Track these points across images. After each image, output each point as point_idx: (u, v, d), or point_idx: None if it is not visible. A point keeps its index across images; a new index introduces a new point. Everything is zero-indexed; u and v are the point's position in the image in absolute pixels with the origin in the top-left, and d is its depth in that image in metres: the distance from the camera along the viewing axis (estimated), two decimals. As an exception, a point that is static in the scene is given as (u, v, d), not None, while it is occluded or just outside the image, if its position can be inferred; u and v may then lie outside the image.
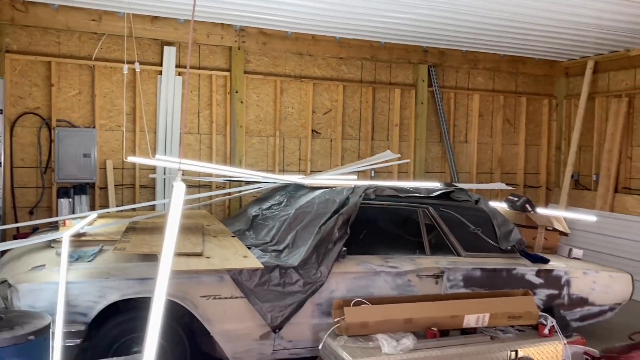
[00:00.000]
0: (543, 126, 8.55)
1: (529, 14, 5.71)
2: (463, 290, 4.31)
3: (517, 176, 8.40)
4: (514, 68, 8.12)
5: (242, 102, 6.72)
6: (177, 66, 6.47)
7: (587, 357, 3.77)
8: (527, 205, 5.36)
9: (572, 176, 8.10)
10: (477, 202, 4.97)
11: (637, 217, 7.03)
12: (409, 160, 7.27)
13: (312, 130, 7.19)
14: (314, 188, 4.86)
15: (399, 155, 6.71)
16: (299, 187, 5.07)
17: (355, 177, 5.62)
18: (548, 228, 5.36)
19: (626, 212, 7.30)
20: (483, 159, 8.17)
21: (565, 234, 5.60)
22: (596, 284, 4.90)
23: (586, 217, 6.17)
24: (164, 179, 6.38)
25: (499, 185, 6.55)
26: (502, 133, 8.24)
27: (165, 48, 6.35)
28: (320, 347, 3.46)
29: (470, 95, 8.03)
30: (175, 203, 1.97)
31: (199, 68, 6.64)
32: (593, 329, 5.09)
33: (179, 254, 3.61)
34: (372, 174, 7.35)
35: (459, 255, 4.55)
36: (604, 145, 7.72)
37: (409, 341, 3.20)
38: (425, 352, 3.22)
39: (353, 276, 4.04)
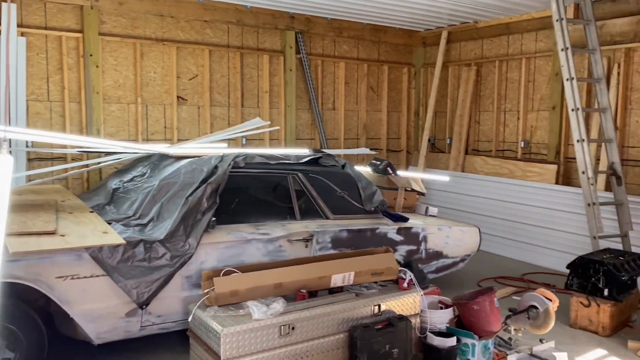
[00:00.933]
0: (403, 93, 9.05)
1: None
2: (331, 252, 4.48)
3: (381, 141, 8.84)
4: (377, 37, 8.43)
5: (97, 66, 6.22)
6: (20, 26, 5.80)
7: (441, 305, 4.13)
8: (388, 169, 5.67)
9: (429, 140, 8.71)
10: (343, 167, 5.14)
11: (484, 175, 7.78)
12: (279, 128, 7.29)
13: (178, 97, 6.90)
14: (180, 157, 4.69)
15: (269, 123, 6.71)
16: (164, 157, 4.85)
17: (225, 145, 5.52)
18: (407, 189, 5.73)
19: (475, 171, 8.05)
20: (350, 125, 8.46)
21: (423, 194, 6.03)
22: (449, 238, 5.37)
23: (440, 177, 6.70)
24: (11, 151, 5.75)
25: (364, 150, 6.85)
26: (366, 100, 8.57)
27: (3, 4, 5.64)
28: (189, 319, 3.41)
29: (337, 63, 8.21)
30: (1, 178, 1.76)
31: (46, 28, 6.00)
32: (447, 278, 5.60)
33: (28, 234, 3.30)
34: (244, 142, 7.27)
35: (327, 218, 4.70)
36: (456, 110, 8.38)
37: (279, 305, 3.26)
38: (295, 314, 3.30)
39: (224, 246, 4.00)
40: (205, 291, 3.39)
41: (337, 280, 3.67)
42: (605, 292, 4.48)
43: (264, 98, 7.51)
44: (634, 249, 5.63)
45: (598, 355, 4.12)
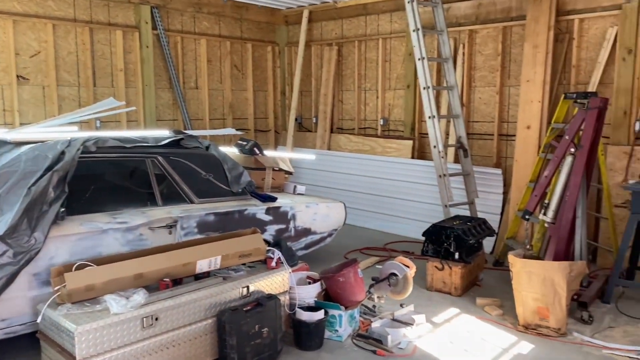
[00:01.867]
0: (268, 72, 9.01)
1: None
2: (198, 237, 4.35)
3: (248, 121, 8.74)
4: (238, 14, 8.26)
5: None
6: None
7: (310, 280, 4.22)
8: (255, 149, 5.63)
9: (296, 119, 8.79)
10: (207, 148, 4.99)
11: (348, 153, 8.07)
12: (135, 108, 6.88)
13: (18, 76, 6.19)
14: (20, 143, 4.21)
15: (124, 103, 6.28)
16: (1, 144, 4.33)
17: (76, 129, 5.07)
18: (275, 169, 5.74)
19: (340, 149, 8.30)
20: (215, 105, 8.25)
21: (291, 173, 6.09)
22: (317, 215, 5.49)
23: (307, 156, 6.81)
24: None
25: (230, 131, 6.72)
26: (231, 79, 8.40)
27: None
28: (39, 320, 3.11)
29: (197, 40, 7.91)
30: None
31: None
32: (316, 253, 5.74)
33: None
34: (98, 125, 6.76)
35: (192, 202, 4.55)
36: (321, 90, 8.54)
37: (139, 297, 3.09)
38: (158, 304, 3.16)
39: (76, 238, 3.69)
40: (56, 288, 3.11)
41: (203, 265, 3.57)
42: (456, 255, 4.89)
43: (119, 77, 7.02)
44: (479, 215, 6.21)
45: (452, 314, 4.50)
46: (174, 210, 4.31)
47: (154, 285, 3.37)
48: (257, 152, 5.65)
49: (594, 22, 5.88)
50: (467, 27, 6.89)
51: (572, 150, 4.50)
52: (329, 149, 8.45)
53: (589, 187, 4.96)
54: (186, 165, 4.61)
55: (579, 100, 4.67)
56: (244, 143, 5.72)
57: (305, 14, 8.43)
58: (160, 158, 4.44)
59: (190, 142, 4.90)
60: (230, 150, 5.74)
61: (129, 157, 4.34)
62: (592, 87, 5.84)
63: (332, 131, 8.54)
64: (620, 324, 4.25)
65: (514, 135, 6.37)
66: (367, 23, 7.99)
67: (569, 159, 4.53)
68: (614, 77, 5.67)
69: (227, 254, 3.68)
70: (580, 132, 4.59)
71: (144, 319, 3.09)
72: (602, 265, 5.57)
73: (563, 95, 5.15)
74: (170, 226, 4.21)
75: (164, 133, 5.06)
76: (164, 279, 3.37)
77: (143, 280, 3.28)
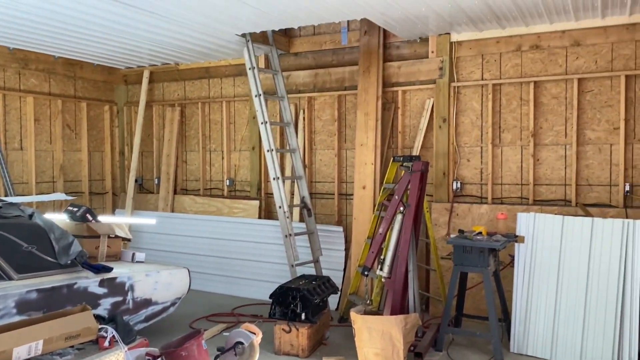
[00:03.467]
0: (106, 132, 8.55)
1: (81, 18, 5.52)
2: (18, 318, 3.84)
3: (82, 184, 8.13)
4: (72, 72, 7.81)
5: None
6: None
7: (149, 357, 3.92)
8: (88, 215, 5.23)
9: (136, 181, 8.40)
10: (31, 216, 4.54)
11: (192, 215, 7.86)
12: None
13: None
14: None
15: None
16: None
17: None
18: (110, 236, 5.36)
19: (185, 211, 8.07)
20: (43, 167, 7.55)
21: (129, 240, 5.74)
22: (158, 283, 5.19)
23: (147, 220, 6.49)
24: None
25: (60, 196, 6.18)
26: (63, 139, 7.80)
27: None
28: None
29: (24, 97, 7.27)
30: None
31: None
32: (159, 325, 5.39)
33: None
34: None
35: (10, 279, 4.04)
36: (163, 150, 8.30)
37: None
38: (-40, 407, 2.68)
39: None
40: None
41: (21, 353, 3.13)
42: (303, 316, 4.94)
43: None
44: (325, 272, 6.40)
45: (299, 376, 4.49)
46: (-13, 290, 3.78)
47: (-44, 384, 2.87)
48: (90, 218, 5.25)
49: (414, 94, 6.60)
50: (306, 94, 7.28)
51: (402, 208, 4.90)
52: (172, 210, 8.16)
53: (418, 242, 5.41)
54: (3, 237, 4.11)
55: (404, 164, 5.15)
56: (75, 209, 5.28)
57: (146, 74, 8.25)
58: (-30, 231, 3.90)
59: (10, 211, 4.42)
60: (60, 218, 5.26)
61: None
62: (416, 151, 6.48)
63: (175, 192, 8.29)
64: (451, 369, 4.59)
65: (352, 195, 6.76)
66: (210, 85, 8.06)
67: (399, 217, 4.92)
68: (433, 142, 6.37)
69: (51, 337, 3.28)
70: (408, 192, 5.03)
71: None
72: (435, 314, 6.03)
73: (392, 159, 5.64)
74: (-19, 309, 3.67)
75: (-24, 201, 4.49)
76: (-31, 375, 2.89)
77: (-60, 380, 2.78)
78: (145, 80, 8.24)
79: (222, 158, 7.98)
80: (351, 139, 6.98)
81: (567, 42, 5.77)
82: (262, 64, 7.38)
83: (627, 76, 5.53)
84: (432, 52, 6.38)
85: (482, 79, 6.19)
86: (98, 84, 8.36)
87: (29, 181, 7.32)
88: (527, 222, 5.02)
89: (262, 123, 6.32)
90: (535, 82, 5.93)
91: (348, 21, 6.83)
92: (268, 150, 6.26)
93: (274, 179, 6.22)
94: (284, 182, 6.25)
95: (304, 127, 7.31)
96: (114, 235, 5.40)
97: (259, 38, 6.53)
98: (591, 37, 5.67)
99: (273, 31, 6.76)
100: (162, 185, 8.26)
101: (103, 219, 5.54)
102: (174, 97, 8.36)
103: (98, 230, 5.26)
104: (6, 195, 6.71)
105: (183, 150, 8.33)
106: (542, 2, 5.03)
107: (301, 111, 7.36)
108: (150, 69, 8.24)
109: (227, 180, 7.91)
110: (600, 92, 5.69)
